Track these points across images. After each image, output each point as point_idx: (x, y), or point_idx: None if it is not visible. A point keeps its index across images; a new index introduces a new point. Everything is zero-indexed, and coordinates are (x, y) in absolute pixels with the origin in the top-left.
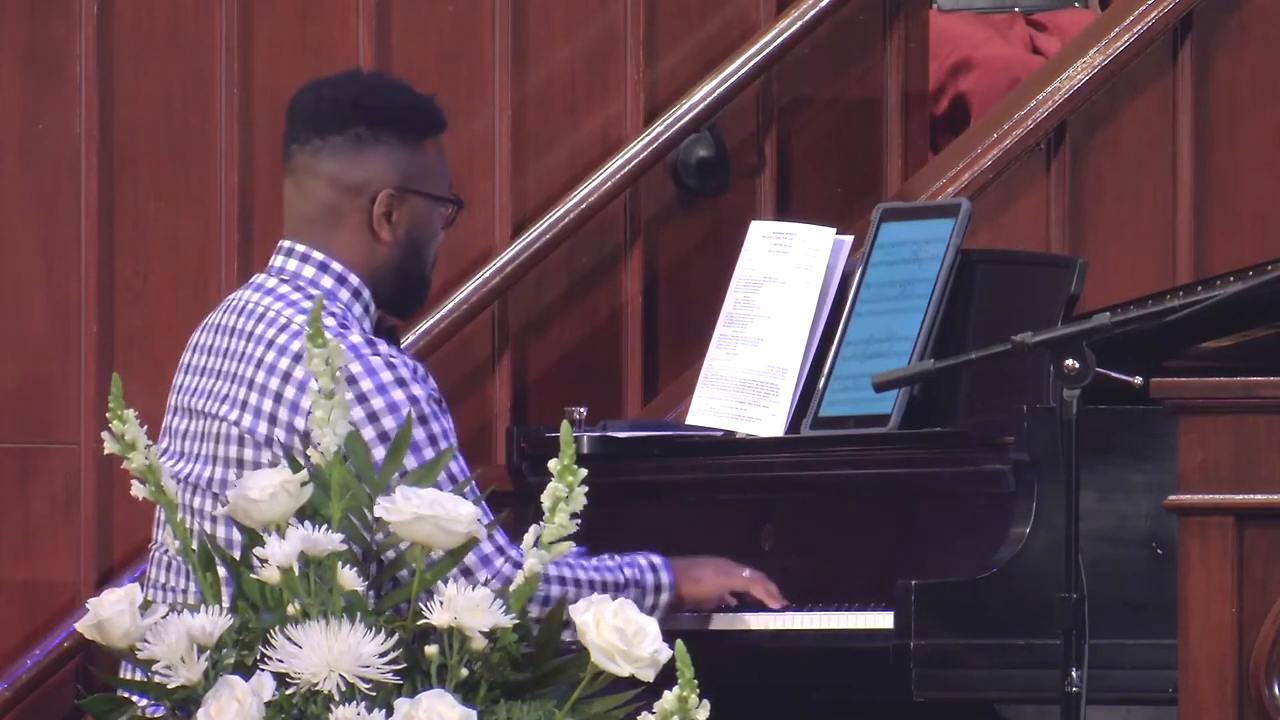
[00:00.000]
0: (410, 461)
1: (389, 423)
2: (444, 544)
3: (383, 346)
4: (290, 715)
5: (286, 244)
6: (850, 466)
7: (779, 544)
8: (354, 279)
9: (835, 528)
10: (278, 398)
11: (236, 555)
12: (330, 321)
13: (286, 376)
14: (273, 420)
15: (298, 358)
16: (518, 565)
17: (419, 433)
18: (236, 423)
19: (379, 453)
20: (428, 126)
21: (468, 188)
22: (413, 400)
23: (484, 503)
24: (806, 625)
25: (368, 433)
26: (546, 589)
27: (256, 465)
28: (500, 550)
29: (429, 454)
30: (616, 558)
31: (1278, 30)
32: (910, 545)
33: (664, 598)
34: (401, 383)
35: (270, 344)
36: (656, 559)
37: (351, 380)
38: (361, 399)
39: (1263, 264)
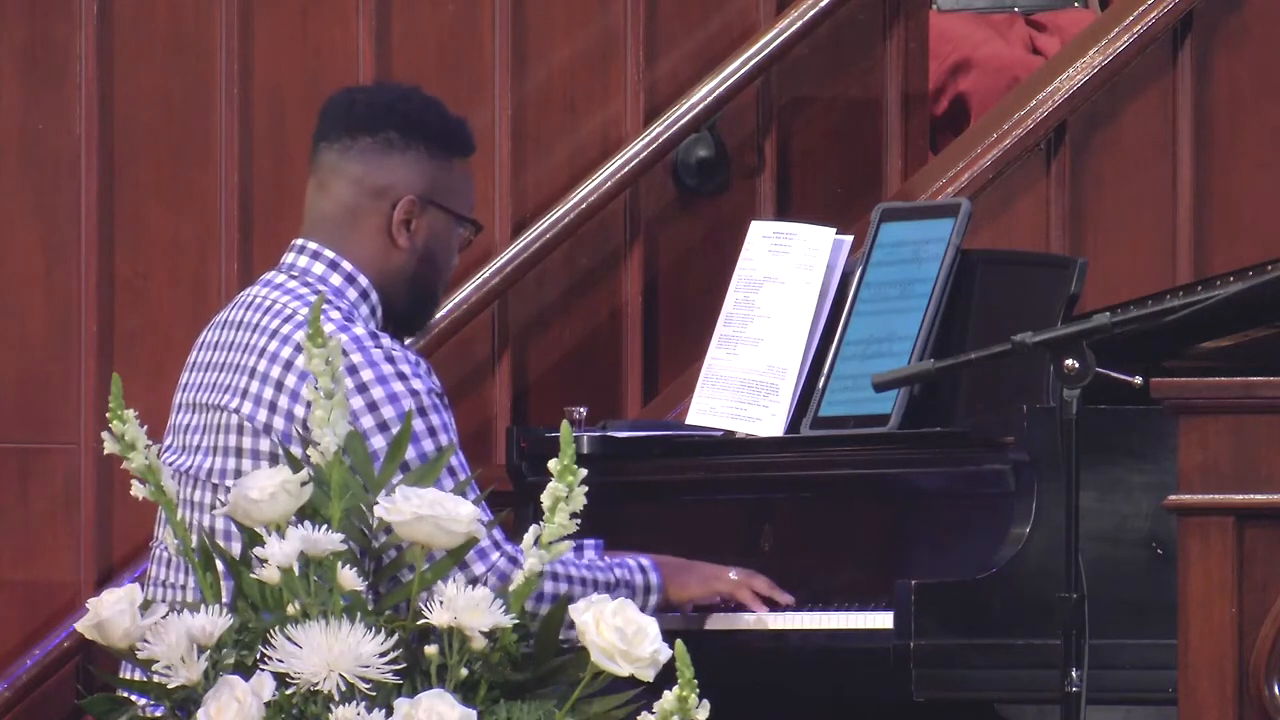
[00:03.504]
0: (409, 452)
1: (388, 412)
2: (444, 544)
3: (385, 340)
4: (290, 715)
5: (299, 242)
6: (850, 466)
7: (779, 544)
8: (363, 279)
9: (835, 528)
10: (278, 385)
11: (237, 546)
12: (335, 315)
13: (288, 365)
14: (272, 407)
15: (299, 347)
16: (514, 560)
17: (418, 424)
18: (236, 410)
19: (377, 441)
20: (458, 145)
21: None
22: (413, 393)
23: (483, 502)
24: (806, 625)
25: (366, 421)
26: (540, 584)
27: (255, 452)
28: (496, 545)
29: (428, 445)
30: (607, 558)
31: (1278, 30)
32: (910, 545)
33: (653, 599)
34: (402, 376)
35: (274, 334)
36: (645, 560)
37: (353, 370)
38: (361, 388)
39: (1263, 264)
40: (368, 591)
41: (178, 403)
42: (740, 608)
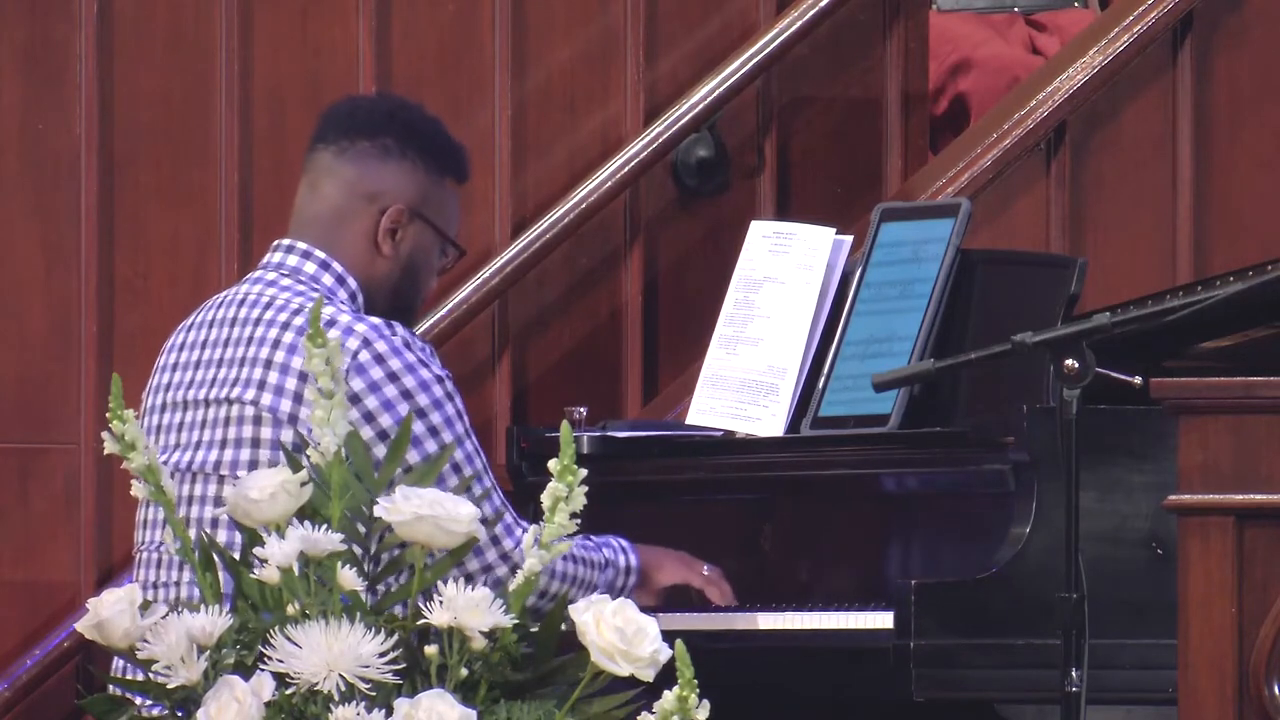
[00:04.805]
0: (447, 436)
1: (423, 399)
2: (444, 544)
3: (399, 328)
4: (290, 715)
5: (286, 242)
6: (850, 466)
7: (779, 544)
8: (352, 282)
9: (835, 528)
10: (302, 375)
11: (237, 535)
12: (345, 308)
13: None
14: (297, 398)
15: None
16: None
17: (449, 409)
18: (254, 402)
19: (417, 426)
20: (453, 165)
21: (468, 188)
22: (438, 379)
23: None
24: (806, 625)
25: (402, 409)
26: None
27: (276, 444)
28: (517, 522)
29: (459, 428)
30: (593, 538)
31: (1278, 30)
32: (910, 545)
33: (633, 580)
34: (424, 363)
35: (286, 326)
36: (624, 542)
37: (380, 358)
38: (392, 377)
39: (1263, 264)
40: (367, 591)
41: (155, 404)
42: (740, 606)
